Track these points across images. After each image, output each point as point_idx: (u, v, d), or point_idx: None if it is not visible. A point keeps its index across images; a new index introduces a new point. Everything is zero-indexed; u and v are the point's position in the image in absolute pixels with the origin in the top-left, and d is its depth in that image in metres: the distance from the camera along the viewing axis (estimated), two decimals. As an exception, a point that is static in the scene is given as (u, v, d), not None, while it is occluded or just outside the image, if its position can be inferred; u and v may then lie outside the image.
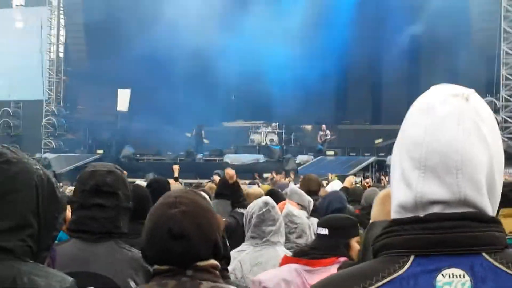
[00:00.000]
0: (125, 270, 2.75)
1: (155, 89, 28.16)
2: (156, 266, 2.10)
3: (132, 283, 2.72)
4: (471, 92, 1.28)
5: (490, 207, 1.24)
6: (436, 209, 1.22)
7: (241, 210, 5.99)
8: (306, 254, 3.51)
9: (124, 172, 3.03)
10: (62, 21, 31.79)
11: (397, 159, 1.28)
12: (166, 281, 2.03)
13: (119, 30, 28.10)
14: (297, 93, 27.11)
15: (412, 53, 28.15)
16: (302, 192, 6.39)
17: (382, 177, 19.10)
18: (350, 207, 7.13)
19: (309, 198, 6.27)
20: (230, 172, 6.76)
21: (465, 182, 1.21)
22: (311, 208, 6.24)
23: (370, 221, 2.65)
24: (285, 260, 3.60)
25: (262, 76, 27.94)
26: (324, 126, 27.08)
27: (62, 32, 31.98)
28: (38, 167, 1.72)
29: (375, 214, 2.61)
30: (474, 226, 1.21)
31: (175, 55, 27.02)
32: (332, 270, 3.33)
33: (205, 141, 28.78)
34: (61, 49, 32.00)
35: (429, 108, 1.25)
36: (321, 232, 3.56)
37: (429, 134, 1.23)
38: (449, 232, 1.21)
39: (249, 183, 13.48)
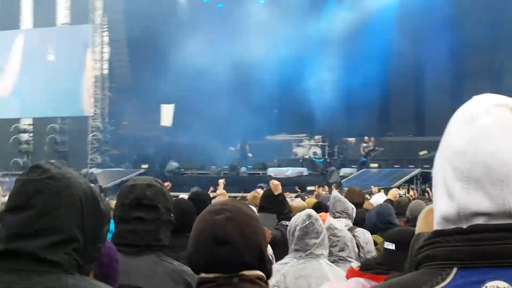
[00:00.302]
0: (166, 283, 2.77)
1: (197, 103, 28.39)
2: (202, 275, 2.10)
3: None
4: None
5: None
6: (479, 221, 1.20)
7: (287, 223, 6.00)
8: (372, 269, 3.47)
9: (166, 184, 3.06)
10: (105, 38, 32.32)
11: (439, 170, 1.26)
12: None
13: (160, 44, 28.46)
14: (340, 105, 27.03)
15: (455, 61, 27.79)
16: (345, 199, 6.39)
17: (428, 189, 18.85)
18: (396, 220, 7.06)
19: (352, 205, 6.27)
20: (275, 182, 6.79)
21: (510, 194, 1.18)
22: (354, 215, 6.23)
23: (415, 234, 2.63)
24: (351, 273, 3.57)
25: (303, 87, 27.96)
26: (366, 138, 26.92)
27: (106, 48, 32.50)
28: (81, 181, 1.76)
29: (420, 227, 2.59)
30: None
31: (216, 67, 27.27)
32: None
33: (249, 154, 28.87)
34: (105, 65, 32.51)
35: (472, 118, 1.23)
36: (388, 247, 3.50)
37: (473, 144, 1.20)
38: (493, 243, 1.18)
39: (296, 196, 13.49)
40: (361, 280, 3.40)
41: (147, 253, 2.85)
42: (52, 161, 1.80)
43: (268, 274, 2.16)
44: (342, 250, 4.50)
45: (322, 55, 27.75)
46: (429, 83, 28.28)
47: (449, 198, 1.22)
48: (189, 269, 3.00)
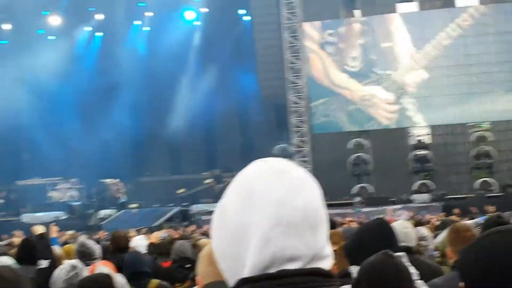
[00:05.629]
0: None
1: None
2: None
3: None
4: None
5: (331, 257, 1.34)
6: (290, 265, 1.27)
7: (43, 262, 5.74)
8: None
9: None
10: None
11: (249, 220, 1.30)
12: None
13: None
14: (95, 147, 26.71)
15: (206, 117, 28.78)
16: (92, 244, 6.21)
17: (190, 227, 19.16)
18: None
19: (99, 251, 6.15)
20: (54, 228, 6.48)
21: (319, 238, 1.31)
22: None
23: (198, 279, 2.63)
24: None
25: (53, 131, 27.31)
26: (117, 181, 26.89)
27: None
28: None
29: (204, 273, 2.59)
30: (321, 281, 1.29)
31: None
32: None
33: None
34: None
35: (284, 171, 1.33)
36: None
37: (290, 194, 1.30)
38: (304, 286, 1.27)
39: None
40: None
41: None
42: None
43: None
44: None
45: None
46: (178, 124, 28.76)
47: (264, 244, 1.28)
48: None
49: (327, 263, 1.32)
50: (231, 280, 1.32)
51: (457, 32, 24.97)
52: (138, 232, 13.26)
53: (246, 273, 1.29)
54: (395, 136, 26.76)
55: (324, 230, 1.33)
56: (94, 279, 3.98)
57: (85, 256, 5.86)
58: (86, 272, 4.30)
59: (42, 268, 5.75)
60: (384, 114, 25.77)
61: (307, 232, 1.29)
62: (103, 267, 4.58)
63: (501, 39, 24.78)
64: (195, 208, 24.43)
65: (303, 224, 1.29)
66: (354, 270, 2.91)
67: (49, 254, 6.15)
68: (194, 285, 3.57)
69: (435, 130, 27.15)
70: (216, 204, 1.43)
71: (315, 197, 1.33)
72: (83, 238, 6.83)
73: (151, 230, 15.23)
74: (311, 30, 26.15)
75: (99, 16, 29.73)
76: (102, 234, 15.46)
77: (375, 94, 25.60)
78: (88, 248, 5.99)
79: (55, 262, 5.87)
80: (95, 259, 5.85)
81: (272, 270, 1.27)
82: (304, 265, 1.28)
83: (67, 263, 4.29)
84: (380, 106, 25.68)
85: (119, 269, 6.09)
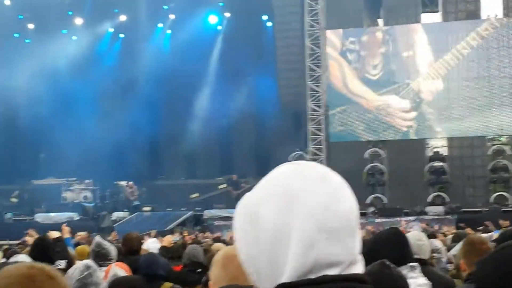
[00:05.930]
0: None
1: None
2: None
3: None
4: None
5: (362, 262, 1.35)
6: (331, 271, 1.27)
7: (61, 263, 5.75)
8: None
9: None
10: None
11: (290, 222, 1.28)
12: None
13: None
14: (111, 149, 26.76)
15: (223, 122, 28.81)
16: (110, 246, 6.21)
17: (201, 233, 19.13)
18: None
19: (115, 252, 6.14)
20: (66, 228, 6.53)
21: (357, 244, 1.32)
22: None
23: (211, 283, 2.61)
24: None
25: (70, 130, 27.43)
26: (131, 183, 26.91)
27: None
28: None
29: (217, 277, 2.57)
30: (358, 286, 1.29)
31: None
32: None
33: (13, 200, 27.51)
34: None
35: (325, 177, 1.33)
36: None
37: (333, 199, 1.30)
38: None
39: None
40: None
41: None
42: None
43: None
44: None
45: (88, 100, 27.77)
46: (197, 125, 28.83)
47: (307, 249, 1.27)
48: None
49: (360, 268, 1.32)
50: (265, 285, 1.30)
51: (476, 42, 24.74)
52: (149, 236, 13.27)
53: (285, 278, 1.27)
54: (412, 147, 26.60)
55: (359, 235, 1.34)
56: (128, 281, 3.99)
57: (101, 256, 5.88)
58: (100, 273, 4.30)
59: (60, 268, 5.77)
60: (400, 124, 25.64)
61: (347, 237, 1.30)
62: (118, 268, 4.58)
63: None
64: (208, 213, 24.42)
65: (345, 229, 1.30)
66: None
67: (65, 255, 6.18)
68: (205, 289, 3.55)
69: (452, 142, 26.98)
70: (229, 209, 1.41)
71: (354, 202, 1.34)
72: (99, 238, 6.80)
73: (162, 234, 15.24)
74: (333, 38, 26.11)
75: (122, 17, 29.90)
76: (114, 235, 15.50)
77: (391, 104, 25.49)
78: (104, 249, 6.00)
79: (71, 263, 5.90)
80: (110, 260, 5.86)
81: (312, 276, 1.27)
82: (343, 271, 1.28)
83: (80, 263, 4.30)
84: (396, 115, 25.57)
85: (132, 271, 6.12)
